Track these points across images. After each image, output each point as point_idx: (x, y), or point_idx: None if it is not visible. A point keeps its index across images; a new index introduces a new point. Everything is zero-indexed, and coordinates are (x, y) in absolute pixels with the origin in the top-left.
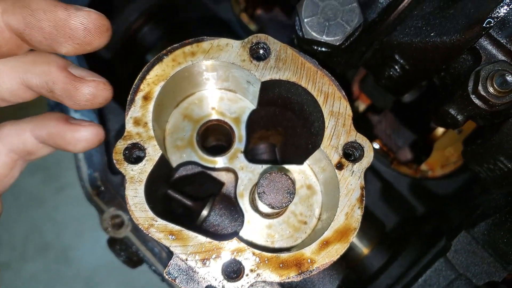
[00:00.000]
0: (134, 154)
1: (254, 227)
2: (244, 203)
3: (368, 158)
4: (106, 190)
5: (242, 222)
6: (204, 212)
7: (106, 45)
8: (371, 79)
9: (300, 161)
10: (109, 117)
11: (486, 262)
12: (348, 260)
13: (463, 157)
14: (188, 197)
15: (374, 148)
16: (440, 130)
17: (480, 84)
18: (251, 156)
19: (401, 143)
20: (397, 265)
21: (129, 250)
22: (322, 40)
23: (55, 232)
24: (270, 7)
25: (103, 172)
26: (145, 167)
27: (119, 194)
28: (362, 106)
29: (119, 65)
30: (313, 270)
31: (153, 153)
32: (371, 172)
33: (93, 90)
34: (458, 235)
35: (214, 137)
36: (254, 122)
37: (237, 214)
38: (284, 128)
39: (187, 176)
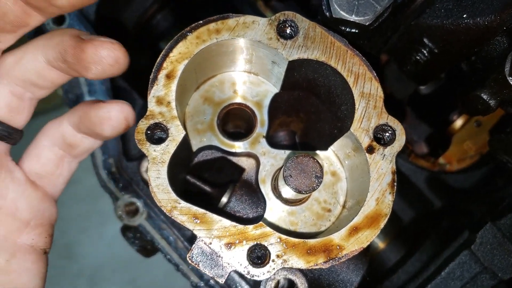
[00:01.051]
0: (156, 134)
1: (276, 214)
2: (266, 189)
3: (400, 142)
4: (120, 177)
5: (264, 208)
6: (224, 199)
7: (119, 34)
8: (389, 69)
9: (324, 147)
10: None
11: None
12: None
13: (489, 147)
14: (207, 183)
15: None
16: (458, 123)
17: None
18: (271, 142)
19: (418, 136)
20: (415, 259)
21: (144, 238)
22: (351, 20)
23: (59, 228)
24: None
25: (118, 158)
26: (168, 148)
27: (134, 181)
28: None
29: (132, 53)
30: (342, 257)
31: (176, 133)
32: None
33: (99, 50)
34: (483, 227)
35: (234, 123)
36: (276, 107)
37: (258, 200)
38: (306, 113)
39: (206, 161)
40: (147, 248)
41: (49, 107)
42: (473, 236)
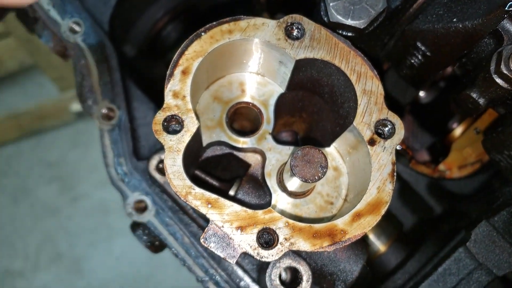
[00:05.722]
0: (172, 125)
1: (281, 206)
2: (272, 183)
3: (399, 135)
4: (131, 175)
5: (270, 201)
6: (231, 192)
7: (132, 44)
8: (390, 77)
9: (326, 145)
10: (135, 105)
11: (506, 252)
12: None
13: (483, 147)
14: (215, 178)
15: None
16: (458, 131)
17: (502, 63)
18: (276, 139)
19: (419, 144)
20: (415, 260)
21: (152, 234)
22: (347, 24)
23: (68, 242)
24: (291, 11)
25: (129, 158)
26: (183, 138)
27: (143, 179)
28: None
29: (143, 61)
30: (346, 240)
31: (190, 124)
32: None
33: None
34: (478, 225)
35: (241, 122)
36: (280, 107)
37: (264, 193)
38: (309, 114)
39: (215, 157)
40: (155, 244)
41: (59, 123)
42: (469, 234)
